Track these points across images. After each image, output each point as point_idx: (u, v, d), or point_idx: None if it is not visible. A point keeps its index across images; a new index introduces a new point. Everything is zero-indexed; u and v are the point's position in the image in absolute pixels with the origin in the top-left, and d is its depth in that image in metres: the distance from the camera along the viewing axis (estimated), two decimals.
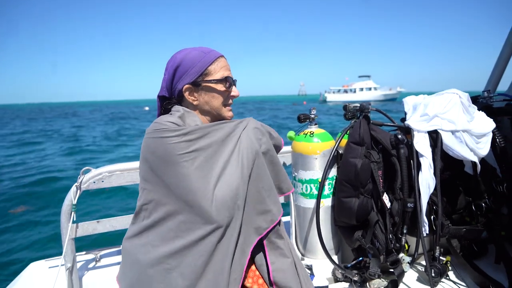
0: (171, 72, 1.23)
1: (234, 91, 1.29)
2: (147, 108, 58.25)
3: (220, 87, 1.24)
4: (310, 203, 1.91)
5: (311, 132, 1.91)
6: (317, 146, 1.87)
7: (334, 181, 1.90)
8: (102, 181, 1.73)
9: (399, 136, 1.82)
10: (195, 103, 1.25)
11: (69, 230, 1.69)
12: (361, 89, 79.23)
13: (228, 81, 1.25)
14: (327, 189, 1.89)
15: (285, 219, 2.20)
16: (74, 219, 1.70)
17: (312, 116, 1.94)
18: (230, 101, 1.28)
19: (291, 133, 1.96)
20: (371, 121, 1.87)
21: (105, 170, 1.75)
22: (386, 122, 1.92)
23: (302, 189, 1.93)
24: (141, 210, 1.15)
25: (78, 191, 1.70)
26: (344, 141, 1.86)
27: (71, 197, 1.69)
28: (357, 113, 1.92)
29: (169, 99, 1.28)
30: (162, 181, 1.11)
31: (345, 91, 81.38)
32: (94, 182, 1.72)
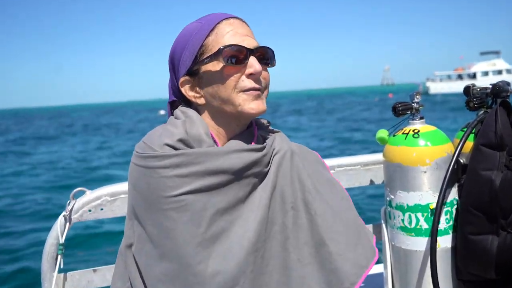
0: (170, 65, 1.06)
1: (251, 65, 0.98)
2: (162, 112, 46.96)
3: (221, 65, 0.97)
4: (418, 244, 1.45)
5: (416, 131, 1.45)
6: (426, 153, 1.42)
7: (455, 207, 1.46)
8: (101, 209, 1.40)
9: None
10: (200, 101, 1.02)
11: (53, 283, 1.35)
12: (485, 73, 57.52)
13: (234, 51, 0.96)
14: (444, 221, 1.44)
15: (376, 269, 1.79)
16: (61, 266, 1.37)
17: (415, 105, 1.46)
18: (249, 83, 0.98)
19: (382, 133, 1.50)
20: None
21: (106, 193, 1.41)
22: None
23: (402, 221, 1.46)
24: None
25: (67, 223, 1.38)
26: (470, 143, 1.43)
27: (57, 233, 1.37)
28: (488, 99, 1.47)
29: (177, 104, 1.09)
30: (143, 225, 0.96)
31: (459, 77, 60.78)
32: (89, 211, 1.40)
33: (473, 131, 1.41)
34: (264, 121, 1.18)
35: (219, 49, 0.96)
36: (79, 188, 1.39)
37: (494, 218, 1.33)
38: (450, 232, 1.44)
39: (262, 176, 1.01)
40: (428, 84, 61.73)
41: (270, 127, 1.15)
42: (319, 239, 1.02)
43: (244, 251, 0.93)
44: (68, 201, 1.38)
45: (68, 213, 1.36)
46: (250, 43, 0.99)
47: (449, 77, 63.36)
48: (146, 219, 0.94)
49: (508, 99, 1.40)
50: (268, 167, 1.02)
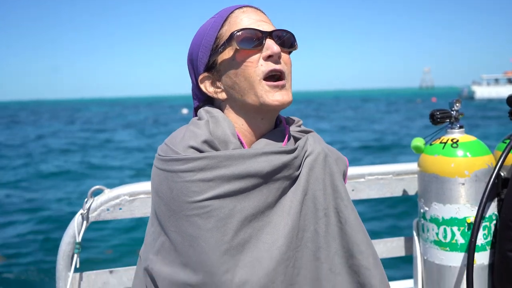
0: (189, 67, 1.02)
1: (268, 46, 0.92)
2: (185, 111, 41.91)
3: (235, 49, 0.92)
4: (453, 259, 1.40)
5: (454, 140, 1.41)
6: (465, 163, 1.38)
7: (494, 223, 1.42)
8: (120, 209, 1.38)
9: None
10: (221, 96, 0.97)
11: (68, 283, 1.34)
12: None
13: (248, 35, 0.91)
14: (481, 237, 1.39)
15: (405, 284, 1.73)
16: (77, 266, 1.35)
17: (455, 113, 1.42)
18: (269, 65, 0.92)
19: (418, 141, 1.46)
20: None
21: (125, 192, 1.38)
22: None
23: (437, 234, 1.42)
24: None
25: (85, 222, 1.36)
26: None
27: (74, 231, 1.35)
28: None
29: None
30: (166, 232, 0.91)
31: (509, 81, 57.03)
32: (108, 210, 1.37)
33: None
34: (296, 119, 1.11)
35: (231, 33, 0.92)
36: (97, 186, 1.37)
37: None
38: (488, 248, 1.39)
39: (292, 180, 0.95)
40: (474, 88, 56.66)
41: (303, 126, 1.09)
42: (348, 249, 0.98)
43: (274, 260, 0.89)
44: (86, 199, 1.35)
45: (85, 211, 1.34)
46: (265, 28, 0.94)
47: (496, 81, 58.50)
48: (170, 226, 0.90)
49: None
50: (299, 170, 0.96)
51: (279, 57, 0.92)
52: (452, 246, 1.37)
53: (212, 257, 0.86)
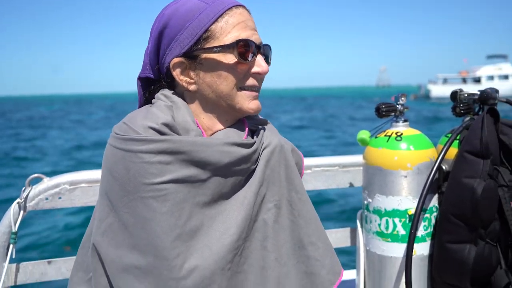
0: (155, 38, 0.98)
1: (259, 64, 0.98)
2: None
3: (231, 58, 0.94)
4: (394, 250, 1.45)
5: (398, 134, 1.45)
6: (408, 157, 1.41)
7: (434, 215, 1.47)
8: (60, 198, 1.36)
9: None
10: (191, 87, 0.98)
11: (3, 274, 1.31)
12: (491, 77, 55.47)
13: (246, 47, 0.95)
14: (422, 228, 1.44)
15: (348, 275, 1.78)
16: (13, 257, 1.33)
17: (400, 107, 1.46)
18: (252, 81, 0.99)
19: (363, 134, 1.50)
20: (501, 120, 1.42)
21: (65, 180, 1.36)
22: None
23: (379, 226, 1.46)
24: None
25: (22, 211, 1.33)
26: (454, 150, 1.43)
27: (10, 221, 1.32)
28: (475, 106, 1.48)
29: (155, 82, 1.03)
30: (117, 213, 0.91)
31: (463, 80, 57.59)
32: (46, 199, 1.35)
33: (458, 137, 1.41)
34: None
35: (236, 42, 0.94)
36: (36, 175, 1.34)
37: (474, 227, 1.34)
38: (428, 239, 1.45)
39: (249, 173, 0.98)
40: (430, 86, 59.10)
41: (258, 116, 1.11)
42: (298, 241, 1.01)
43: (224, 248, 0.91)
44: (24, 188, 1.32)
45: (22, 200, 1.31)
46: (257, 38, 0.97)
47: (451, 81, 60.01)
48: (122, 207, 0.90)
49: (495, 107, 1.41)
50: (256, 164, 0.99)
51: (265, 74, 0.99)
52: (393, 237, 1.42)
53: (164, 241, 0.87)
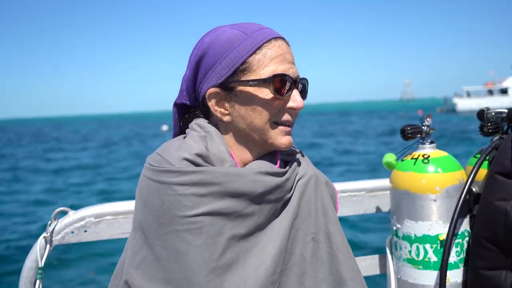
0: (193, 65, 0.99)
1: (294, 99, 0.97)
2: (165, 128, 42.10)
3: (266, 92, 0.94)
4: (426, 278, 1.40)
5: (425, 156, 1.42)
6: (437, 179, 1.38)
7: (466, 239, 1.42)
8: (85, 231, 1.36)
9: None
10: (225, 118, 0.98)
11: None
12: None
13: (283, 82, 0.94)
14: (454, 254, 1.40)
15: None
16: None
17: (426, 128, 1.43)
18: (287, 116, 0.98)
19: (389, 157, 1.47)
20: None
21: (90, 213, 1.36)
22: None
23: (409, 252, 1.42)
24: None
25: (48, 245, 1.33)
26: (483, 171, 1.39)
27: (36, 256, 1.32)
28: (504, 124, 1.44)
29: (190, 109, 1.04)
30: (151, 246, 0.90)
31: (490, 92, 58.53)
32: (72, 233, 1.35)
33: (487, 158, 1.37)
34: None
35: (272, 76, 0.93)
36: (61, 208, 1.34)
37: (509, 252, 1.29)
38: (461, 266, 1.40)
39: (284, 203, 0.97)
40: (455, 100, 58.26)
41: (293, 147, 1.10)
42: (338, 276, 0.98)
43: (259, 282, 0.89)
44: (49, 222, 1.33)
45: (48, 234, 1.31)
46: (294, 72, 0.97)
47: (475, 94, 59.48)
48: (156, 240, 0.89)
49: None
50: (291, 193, 0.98)
51: (300, 109, 0.98)
52: (425, 264, 1.38)
53: (198, 275, 0.86)
